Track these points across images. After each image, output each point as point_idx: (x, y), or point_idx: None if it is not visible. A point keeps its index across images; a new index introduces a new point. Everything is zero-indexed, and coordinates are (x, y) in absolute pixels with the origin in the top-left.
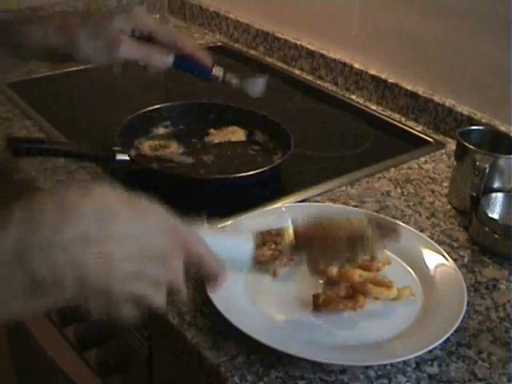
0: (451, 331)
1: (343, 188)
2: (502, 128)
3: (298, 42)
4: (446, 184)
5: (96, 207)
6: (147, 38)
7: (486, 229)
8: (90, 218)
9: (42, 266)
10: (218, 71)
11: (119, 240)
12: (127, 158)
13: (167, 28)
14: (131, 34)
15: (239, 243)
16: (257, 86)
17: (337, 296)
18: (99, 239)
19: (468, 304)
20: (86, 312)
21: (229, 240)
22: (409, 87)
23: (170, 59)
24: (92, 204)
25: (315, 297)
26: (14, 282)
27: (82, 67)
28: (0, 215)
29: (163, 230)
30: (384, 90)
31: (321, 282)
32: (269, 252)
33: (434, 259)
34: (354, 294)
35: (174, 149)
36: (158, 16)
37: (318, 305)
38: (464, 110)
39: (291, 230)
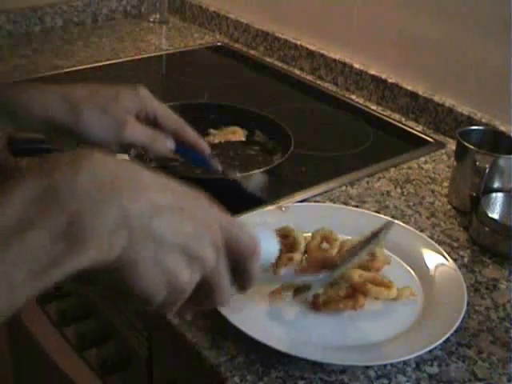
0: (451, 331)
1: (343, 188)
2: (502, 128)
3: (298, 42)
4: (446, 184)
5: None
6: (151, 122)
7: (486, 229)
8: (114, 162)
9: (75, 201)
10: (216, 164)
11: (153, 186)
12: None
13: (171, 114)
14: (136, 116)
15: (268, 239)
16: (254, 181)
17: (337, 296)
18: (130, 179)
19: (468, 304)
20: (143, 293)
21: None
22: (409, 87)
23: (172, 146)
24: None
25: (315, 297)
26: (48, 228)
27: (83, 67)
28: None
29: (206, 206)
30: (384, 90)
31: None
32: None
33: (434, 259)
34: (354, 293)
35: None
36: (158, 16)
37: (318, 305)
38: (464, 110)
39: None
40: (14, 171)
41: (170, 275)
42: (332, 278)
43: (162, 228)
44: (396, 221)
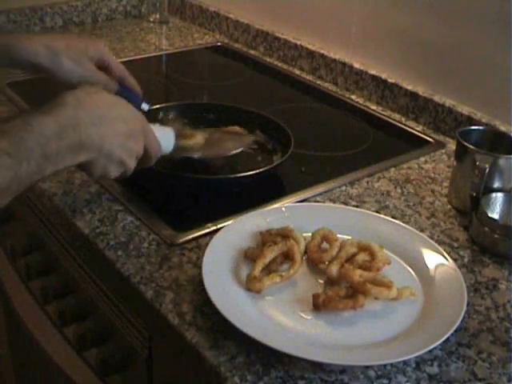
0: (451, 331)
1: (343, 188)
2: (502, 128)
3: (298, 42)
4: (446, 184)
5: (109, 100)
6: (104, 68)
7: (486, 229)
8: (100, 109)
9: (89, 135)
10: (145, 105)
11: (119, 122)
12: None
13: (120, 65)
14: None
15: (167, 134)
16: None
17: (337, 296)
18: (111, 120)
19: (468, 304)
20: (89, 174)
21: (160, 131)
22: (409, 87)
23: (116, 87)
24: (99, 101)
25: (315, 297)
26: (68, 143)
27: None
28: (58, 98)
29: (139, 120)
30: (384, 90)
31: (321, 281)
32: (269, 252)
33: (434, 259)
34: (354, 293)
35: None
36: (158, 16)
37: (318, 305)
38: (464, 110)
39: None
40: None
41: (107, 172)
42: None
43: (116, 151)
44: (396, 221)
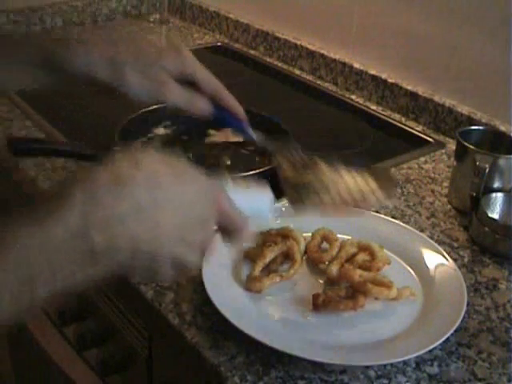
0: (451, 331)
1: None
2: (502, 128)
3: (298, 42)
4: (445, 184)
5: (145, 178)
6: (190, 83)
7: (486, 229)
8: (141, 190)
9: (102, 239)
10: (251, 132)
11: (166, 209)
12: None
13: (211, 78)
14: (176, 77)
15: (260, 197)
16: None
17: (337, 296)
18: (149, 209)
19: (468, 304)
20: (131, 275)
21: (250, 195)
22: (409, 87)
23: (209, 109)
24: (141, 175)
25: (315, 297)
26: (76, 255)
27: None
28: (64, 196)
29: (201, 195)
30: (384, 90)
31: (321, 281)
32: (269, 252)
33: (434, 259)
34: (354, 293)
35: None
36: (158, 16)
37: (318, 305)
38: (464, 109)
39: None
40: (14, 171)
41: (157, 275)
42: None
43: (162, 250)
44: (396, 221)
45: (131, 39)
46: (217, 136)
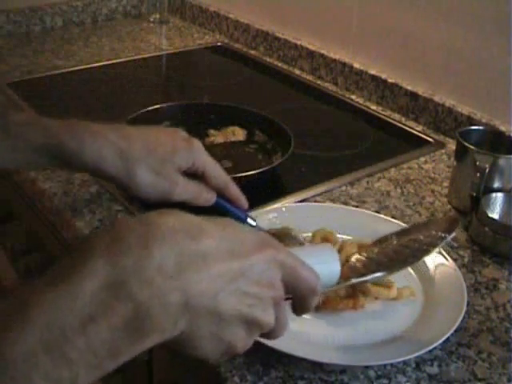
0: (451, 331)
1: (343, 188)
2: (502, 128)
3: (298, 42)
4: (445, 184)
5: (181, 223)
6: (198, 174)
7: (486, 229)
8: (180, 235)
9: (147, 294)
10: (252, 220)
11: (216, 255)
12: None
13: (219, 171)
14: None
15: (325, 258)
16: None
17: (337, 296)
18: (194, 256)
19: (468, 304)
20: (195, 350)
21: (314, 254)
22: (409, 87)
23: (213, 199)
24: (176, 220)
25: None
26: (115, 320)
27: (83, 67)
28: (82, 249)
29: (258, 245)
30: (384, 90)
31: None
32: None
33: (434, 259)
34: (354, 293)
35: None
36: (158, 16)
37: (318, 305)
38: (464, 109)
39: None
40: (14, 171)
41: (229, 345)
42: (386, 276)
43: (224, 304)
44: (396, 221)
45: (143, 133)
46: (217, 136)
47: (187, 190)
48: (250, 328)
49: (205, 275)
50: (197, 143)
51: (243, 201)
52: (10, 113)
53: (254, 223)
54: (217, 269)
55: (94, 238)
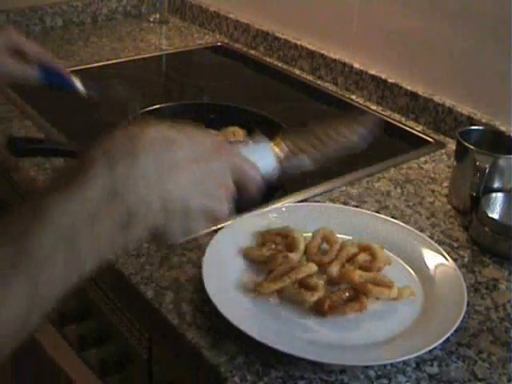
0: (451, 331)
1: (343, 188)
2: (502, 128)
3: (298, 42)
4: (445, 184)
5: (161, 139)
6: (19, 55)
7: (486, 229)
8: (160, 150)
9: (134, 200)
10: (79, 85)
11: (186, 166)
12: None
13: (36, 47)
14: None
15: (264, 154)
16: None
17: (340, 299)
18: (171, 167)
19: (468, 304)
20: (167, 236)
21: (255, 150)
22: (409, 87)
23: (38, 74)
24: (157, 137)
25: (320, 303)
26: (114, 218)
27: (83, 67)
28: (85, 163)
29: (215, 149)
30: (384, 90)
31: (321, 282)
32: (268, 252)
33: (434, 259)
34: (356, 295)
35: None
36: (158, 16)
37: (325, 311)
38: (464, 110)
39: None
40: (14, 171)
41: (192, 230)
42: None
43: (192, 205)
44: (396, 221)
45: None
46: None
47: (10, 65)
48: (209, 217)
49: (177, 183)
50: (9, 27)
51: (65, 69)
52: None
53: (81, 87)
54: (186, 177)
55: (92, 152)
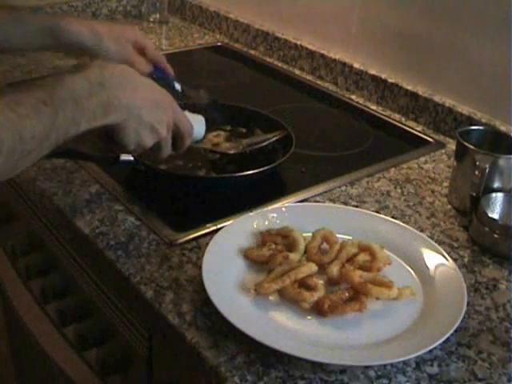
0: (451, 331)
1: (343, 188)
2: (502, 128)
3: (298, 42)
4: (445, 184)
5: (130, 70)
6: (140, 51)
7: (486, 229)
8: (130, 73)
9: (115, 94)
10: (178, 86)
11: (147, 92)
12: (131, 158)
13: (154, 49)
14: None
15: (198, 121)
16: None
17: (340, 300)
18: (134, 87)
19: (468, 304)
20: (122, 137)
21: (193, 119)
22: (409, 87)
23: (151, 69)
24: (127, 69)
25: (320, 303)
26: (100, 98)
27: None
28: (81, 65)
29: (169, 99)
30: (384, 90)
31: (321, 282)
32: (268, 252)
33: (434, 259)
34: (356, 295)
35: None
36: (158, 16)
37: (325, 311)
38: (464, 110)
39: (302, 246)
40: None
41: (141, 139)
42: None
43: (145, 114)
44: (396, 221)
45: (102, 22)
46: (217, 136)
47: (135, 56)
48: (153, 135)
49: (139, 97)
50: (136, 28)
51: (171, 71)
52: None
53: (178, 87)
54: (144, 97)
55: (88, 63)
